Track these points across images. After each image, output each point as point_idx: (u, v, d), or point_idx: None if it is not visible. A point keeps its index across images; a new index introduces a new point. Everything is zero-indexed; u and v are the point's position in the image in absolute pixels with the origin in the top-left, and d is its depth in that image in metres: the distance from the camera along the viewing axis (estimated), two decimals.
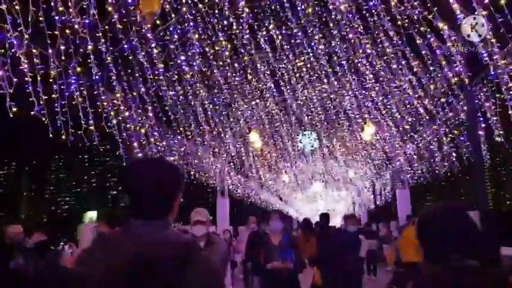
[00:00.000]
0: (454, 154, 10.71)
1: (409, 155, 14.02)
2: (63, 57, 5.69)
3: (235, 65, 9.11)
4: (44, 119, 5.32)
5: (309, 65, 9.73)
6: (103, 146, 8.18)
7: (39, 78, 5.47)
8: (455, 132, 10.19)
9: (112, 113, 7.07)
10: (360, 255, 7.29)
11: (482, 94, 8.14)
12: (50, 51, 5.60)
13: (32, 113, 5.25)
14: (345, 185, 22.73)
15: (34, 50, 5.68)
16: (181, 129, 9.71)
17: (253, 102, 11.82)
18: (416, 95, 9.95)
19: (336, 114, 13.26)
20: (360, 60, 9.21)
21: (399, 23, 7.21)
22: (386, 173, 16.98)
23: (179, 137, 10.00)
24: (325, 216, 8.08)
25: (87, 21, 5.78)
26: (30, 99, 5.10)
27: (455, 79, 8.14)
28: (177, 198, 1.56)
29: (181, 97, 8.98)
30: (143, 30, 6.70)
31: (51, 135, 5.58)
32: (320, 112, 12.73)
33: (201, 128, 10.57)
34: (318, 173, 21.19)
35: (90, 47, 5.99)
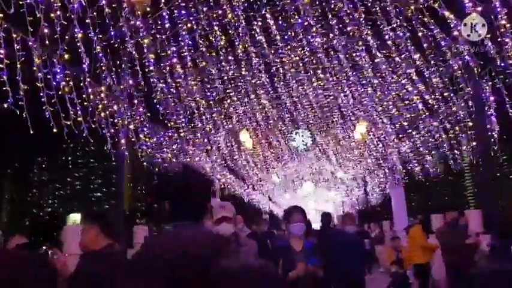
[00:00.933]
0: (456, 152, 10.43)
1: (404, 153, 13.74)
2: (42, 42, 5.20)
3: (229, 57, 8.64)
4: (18, 112, 4.85)
5: (306, 59, 9.33)
6: (87, 148, 7.70)
7: (19, 65, 5.01)
8: (457, 129, 9.91)
9: (100, 106, 6.57)
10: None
11: (488, 87, 7.87)
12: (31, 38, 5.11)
13: (5, 105, 4.76)
14: (336, 184, 22.46)
15: (14, 35, 5.22)
16: (171, 123, 9.21)
17: (246, 99, 11.38)
18: (416, 90, 9.64)
19: (330, 112, 12.91)
20: (358, 53, 8.87)
21: (408, 11, 6.88)
22: (379, 172, 16.73)
23: (170, 133, 9.50)
24: (326, 216, 7.71)
25: (76, 4, 5.31)
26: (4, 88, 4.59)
27: (460, 71, 7.88)
28: (207, 200, 1.76)
29: (172, 90, 8.49)
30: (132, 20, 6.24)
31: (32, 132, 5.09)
32: (315, 109, 12.36)
33: (193, 124, 10.13)
34: (310, 173, 20.88)
35: (79, 35, 5.53)
